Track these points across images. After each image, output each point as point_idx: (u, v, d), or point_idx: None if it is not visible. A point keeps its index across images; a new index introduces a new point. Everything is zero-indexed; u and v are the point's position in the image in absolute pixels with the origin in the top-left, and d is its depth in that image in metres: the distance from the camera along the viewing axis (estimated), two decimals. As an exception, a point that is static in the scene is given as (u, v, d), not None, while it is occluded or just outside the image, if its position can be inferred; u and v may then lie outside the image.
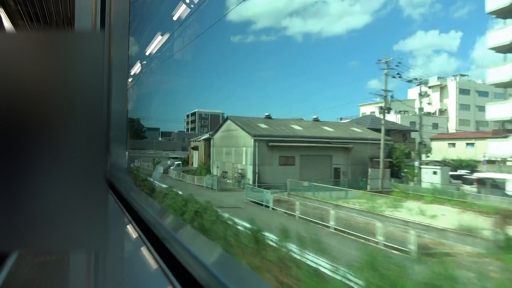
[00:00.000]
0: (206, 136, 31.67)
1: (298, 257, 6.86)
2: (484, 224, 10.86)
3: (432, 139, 29.94)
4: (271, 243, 7.54)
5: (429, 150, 27.69)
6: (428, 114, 34.02)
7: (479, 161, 22.98)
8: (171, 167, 30.16)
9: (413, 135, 28.51)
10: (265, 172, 22.52)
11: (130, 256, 1.24)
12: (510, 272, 7.21)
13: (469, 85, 37.28)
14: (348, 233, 11.53)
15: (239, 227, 8.68)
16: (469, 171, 22.21)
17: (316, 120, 27.96)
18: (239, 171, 23.83)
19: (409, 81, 24.69)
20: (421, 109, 25.78)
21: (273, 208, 16.00)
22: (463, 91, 37.16)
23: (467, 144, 27.57)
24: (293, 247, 7.35)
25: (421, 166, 22.82)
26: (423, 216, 13.07)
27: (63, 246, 0.55)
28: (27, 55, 0.51)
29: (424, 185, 21.03)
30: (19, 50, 0.51)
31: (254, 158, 22.67)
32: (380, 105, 26.66)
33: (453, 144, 28.78)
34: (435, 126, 33.15)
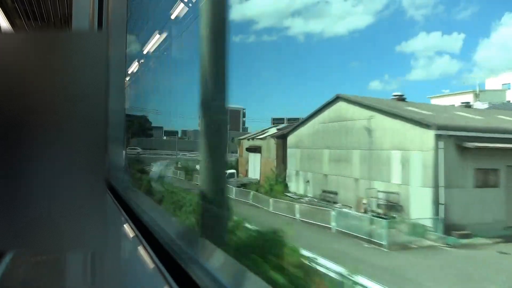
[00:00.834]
0: (273, 130, 21.85)
1: None
2: None
3: None
4: None
5: None
6: None
7: None
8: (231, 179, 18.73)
9: None
10: (453, 200, 12.00)
11: (128, 256, 1.24)
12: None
13: None
14: None
15: None
16: None
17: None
18: (381, 196, 13.84)
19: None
20: None
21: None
22: None
23: None
24: None
25: None
26: None
27: (62, 246, 0.55)
28: (27, 55, 0.51)
29: None
30: (19, 50, 0.51)
31: (436, 174, 12.26)
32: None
33: None
34: None
